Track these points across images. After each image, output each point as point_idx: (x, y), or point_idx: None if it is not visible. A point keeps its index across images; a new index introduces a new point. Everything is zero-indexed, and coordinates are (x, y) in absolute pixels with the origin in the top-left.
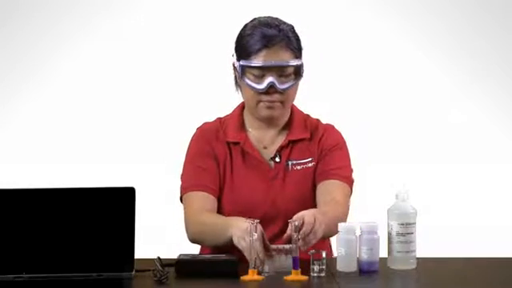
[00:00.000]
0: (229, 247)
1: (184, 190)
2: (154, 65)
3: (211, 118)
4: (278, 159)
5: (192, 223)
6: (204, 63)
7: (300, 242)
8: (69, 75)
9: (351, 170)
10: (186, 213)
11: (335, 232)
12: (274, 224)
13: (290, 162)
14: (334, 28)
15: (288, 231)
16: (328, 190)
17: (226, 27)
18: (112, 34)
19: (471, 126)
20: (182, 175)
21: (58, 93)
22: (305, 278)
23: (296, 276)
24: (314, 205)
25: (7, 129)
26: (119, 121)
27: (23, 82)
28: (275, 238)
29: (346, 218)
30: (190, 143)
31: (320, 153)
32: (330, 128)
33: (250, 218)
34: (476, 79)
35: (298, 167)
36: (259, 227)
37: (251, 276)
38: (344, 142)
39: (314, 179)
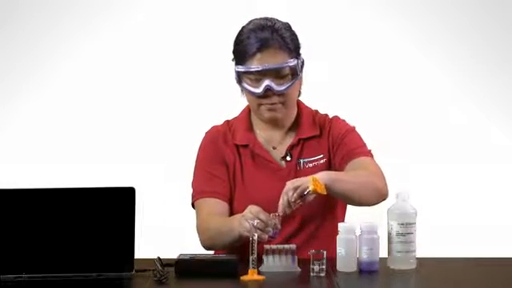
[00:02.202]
0: (243, 247)
1: (194, 197)
2: (155, 65)
3: (211, 119)
4: (288, 158)
5: (201, 231)
6: (205, 63)
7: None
8: (69, 75)
9: (368, 149)
10: (196, 221)
11: (360, 192)
12: (289, 223)
13: (301, 161)
14: (335, 28)
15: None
16: (355, 165)
17: (229, 27)
18: (112, 34)
19: (471, 126)
20: (192, 182)
21: (58, 93)
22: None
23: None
24: (328, 201)
25: (7, 129)
26: (119, 121)
27: (23, 82)
28: (292, 238)
29: (383, 177)
30: (199, 149)
31: (332, 147)
32: (334, 119)
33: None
34: (476, 79)
35: (310, 165)
36: (256, 209)
37: (251, 276)
38: (352, 128)
39: (333, 167)
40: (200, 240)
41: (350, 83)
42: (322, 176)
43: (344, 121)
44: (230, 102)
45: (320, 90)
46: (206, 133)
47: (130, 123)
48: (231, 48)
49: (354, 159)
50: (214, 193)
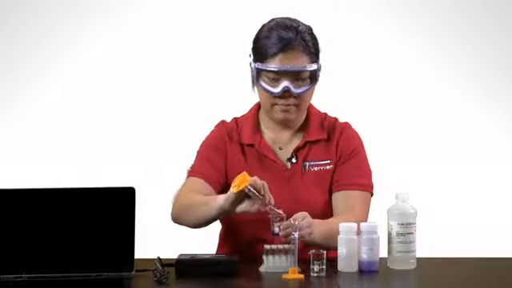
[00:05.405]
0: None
1: (187, 175)
2: (155, 65)
3: (212, 119)
4: (294, 160)
5: (175, 202)
6: (205, 64)
7: (281, 232)
8: (69, 75)
9: (370, 174)
10: (175, 193)
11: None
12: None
13: (307, 163)
14: (336, 28)
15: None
16: (346, 200)
17: (228, 28)
18: (112, 34)
19: (471, 125)
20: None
21: (58, 93)
22: (301, 276)
23: (293, 274)
24: (330, 206)
25: (7, 129)
26: (119, 121)
27: (23, 82)
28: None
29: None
30: (205, 138)
31: (339, 158)
32: (347, 129)
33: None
34: (476, 79)
35: (316, 168)
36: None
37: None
38: (361, 144)
39: (331, 181)
40: (171, 212)
41: (349, 83)
42: (315, 230)
43: (355, 133)
44: (231, 103)
45: (321, 91)
46: (216, 126)
47: (130, 123)
48: (232, 48)
49: (347, 191)
50: (203, 175)
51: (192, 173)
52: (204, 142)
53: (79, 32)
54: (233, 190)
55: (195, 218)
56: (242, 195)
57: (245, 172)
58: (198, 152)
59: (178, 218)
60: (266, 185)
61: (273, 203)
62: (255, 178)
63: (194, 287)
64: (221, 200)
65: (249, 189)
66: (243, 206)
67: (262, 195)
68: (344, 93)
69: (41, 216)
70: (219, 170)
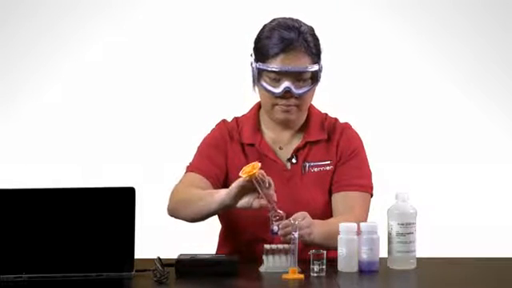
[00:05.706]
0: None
1: (185, 170)
2: (155, 65)
3: (212, 119)
4: (294, 160)
5: (172, 197)
6: (206, 64)
7: (280, 231)
8: (69, 75)
9: (370, 175)
10: (173, 188)
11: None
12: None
13: (307, 164)
14: (336, 28)
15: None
16: (346, 201)
17: (230, 25)
18: (113, 34)
19: (471, 125)
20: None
21: (58, 93)
22: (301, 276)
23: (293, 274)
24: (330, 207)
25: (7, 129)
26: (119, 121)
27: (23, 82)
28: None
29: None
30: (206, 136)
31: (339, 159)
32: (347, 129)
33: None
34: (476, 79)
35: (316, 169)
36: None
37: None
38: (361, 145)
39: (331, 182)
40: (167, 206)
41: (350, 83)
42: (315, 230)
43: (355, 133)
44: (231, 103)
45: (321, 91)
46: (217, 125)
47: (130, 123)
48: (233, 48)
49: (347, 192)
50: (202, 171)
51: (190, 168)
52: (204, 139)
53: (79, 32)
54: (243, 175)
55: (192, 213)
56: (245, 189)
57: (257, 161)
58: (198, 149)
59: (175, 212)
60: (271, 180)
61: (275, 200)
62: (263, 171)
63: (194, 287)
64: (222, 194)
65: (256, 178)
66: (244, 201)
67: (267, 188)
68: (344, 93)
69: (41, 216)
70: (219, 167)
